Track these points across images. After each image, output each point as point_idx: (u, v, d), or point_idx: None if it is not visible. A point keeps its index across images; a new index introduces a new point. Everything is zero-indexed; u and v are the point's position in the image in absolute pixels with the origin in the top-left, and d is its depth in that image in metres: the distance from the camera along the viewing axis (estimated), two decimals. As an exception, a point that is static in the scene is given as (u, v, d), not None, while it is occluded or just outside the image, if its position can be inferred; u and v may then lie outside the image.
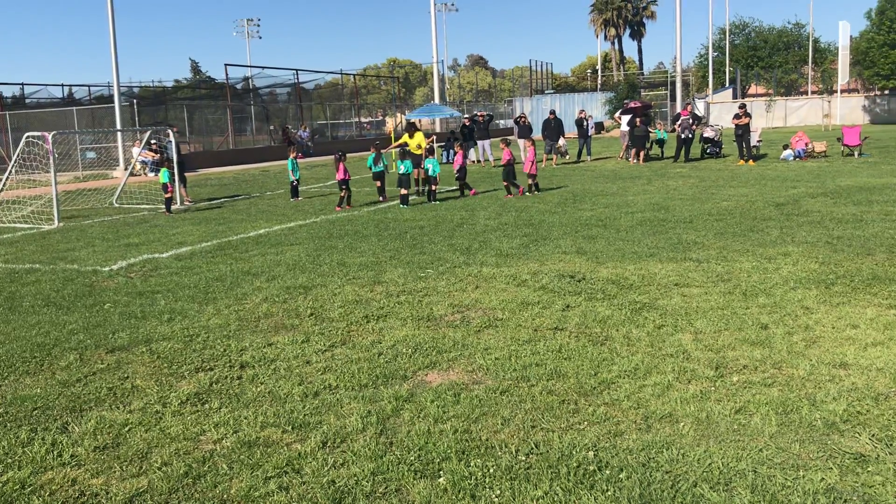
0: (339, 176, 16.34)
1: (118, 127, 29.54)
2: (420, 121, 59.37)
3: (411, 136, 19.36)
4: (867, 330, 6.24)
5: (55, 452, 4.53)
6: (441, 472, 4.04)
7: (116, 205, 19.21)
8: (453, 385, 5.32)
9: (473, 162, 26.98)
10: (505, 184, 17.23)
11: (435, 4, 56.28)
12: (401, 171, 16.57)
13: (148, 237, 13.31)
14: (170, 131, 19.83)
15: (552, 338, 6.36)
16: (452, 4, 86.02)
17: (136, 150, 28.64)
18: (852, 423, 4.46)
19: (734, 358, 5.70)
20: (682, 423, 4.54)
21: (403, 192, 16.35)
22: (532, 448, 4.28)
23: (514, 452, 4.24)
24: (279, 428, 4.74)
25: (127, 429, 4.84)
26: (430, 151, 17.13)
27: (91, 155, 33.51)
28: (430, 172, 16.80)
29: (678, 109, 47.89)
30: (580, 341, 6.22)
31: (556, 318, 6.95)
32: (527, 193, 17.21)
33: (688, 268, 8.81)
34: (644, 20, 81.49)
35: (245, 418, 4.91)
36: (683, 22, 51.57)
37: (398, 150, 19.85)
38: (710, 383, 5.19)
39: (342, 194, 16.22)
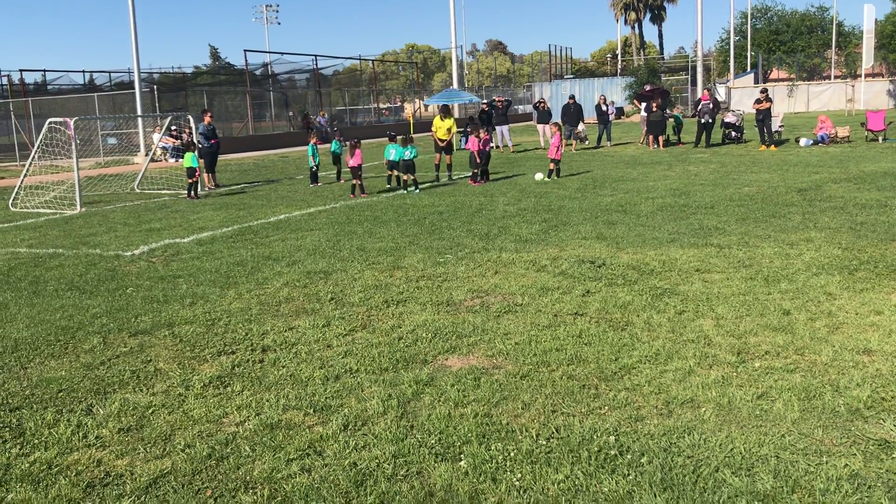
0: (354, 162, 16.27)
1: (139, 113, 29.69)
2: (439, 106, 59.33)
3: (443, 120, 19.41)
4: (891, 316, 6.18)
5: (80, 434, 4.58)
6: (462, 456, 4.06)
7: (138, 190, 19.34)
8: (473, 369, 5.33)
9: (491, 148, 26.88)
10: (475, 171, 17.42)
11: (454, -11, 55.90)
12: (406, 157, 16.48)
13: (169, 222, 13.39)
14: (206, 117, 19.90)
15: (572, 323, 6.34)
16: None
17: (156, 136, 28.79)
18: (876, 409, 4.43)
19: (756, 344, 5.66)
20: (703, 409, 4.53)
21: (406, 177, 16.41)
22: (553, 432, 4.29)
23: (534, 437, 4.24)
24: (301, 411, 4.77)
25: (150, 411, 4.89)
26: (409, 140, 16.86)
27: (112, 141, 33.74)
28: (405, 159, 16.52)
29: (699, 94, 47.52)
30: (600, 326, 6.21)
31: (577, 303, 6.93)
32: (477, 183, 17.16)
33: (709, 253, 8.75)
34: (665, 4, 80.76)
35: (267, 401, 4.95)
36: (705, 6, 51.02)
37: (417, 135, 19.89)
38: (731, 369, 5.17)
39: (355, 182, 16.12)
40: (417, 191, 16.26)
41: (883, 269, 7.71)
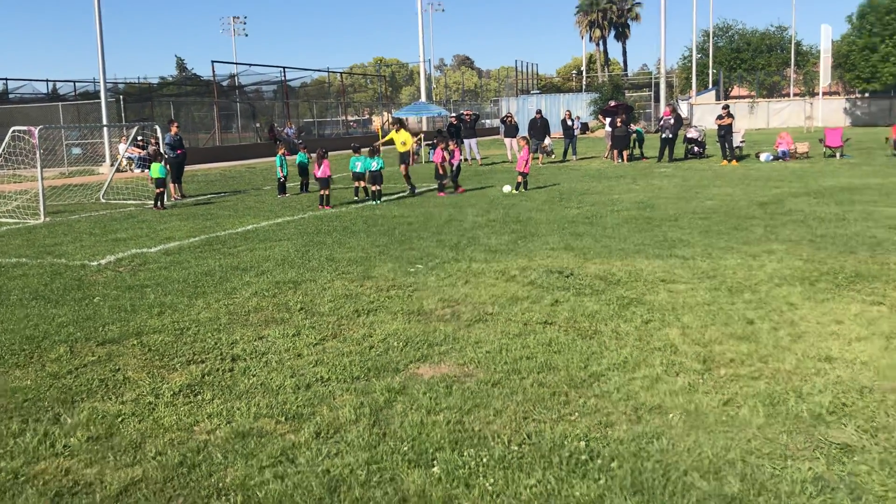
0: (322, 173, 16.27)
1: (104, 123, 29.36)
2: (407, 119, 59.41)
3: (397, 132, 19.44)
4: (851, 325, 6.34)
5: (48, 443, 4.53)
6: (435, 462, 4.09)
7: (103, 200, 19.11)
8: (445, 378, 5.37)
9: (461, 161, 27.01)
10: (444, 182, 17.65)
11: (422, 4, 56.28)
12: (372, 169, 16.56)
13: (136, 232, 13.27)
14: (173, 127, 19.73)
15: (542, 332, 6.41)
16: (439, 4, 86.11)
17: (122, 147, 28.48)
18: (838, 414, 4.54)
19: (721, 352, 5.77)
20: (671, 415, 4.61)
21: (375, 188, 16.47)
22: (524, 438, 4.33)
23: (506, 443, 4.29)
24: (272, 419, 4.76)
25: (120, 420, 4.85)
26: (375, 151, 16.94)
27: (77, 151, 33.29)
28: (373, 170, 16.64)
29: (662, 110, 48.19)
30: (570, 335, 6.28)
31: (546, 312, 7.00)
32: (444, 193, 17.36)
33: (674, 265, 8.89)
34: (629, 22, 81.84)
35: (238, 409, 4.93)
36: (667, 24, 51.83)
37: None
38: (698, 376, 5.26)
39: (322, 192, 16.10)
40: (379, 202, 16.29)
41: (842, 280, 7.89)
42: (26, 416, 4.95)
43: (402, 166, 18.94)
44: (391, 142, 20.16)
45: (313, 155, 18.03)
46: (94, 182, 23.15)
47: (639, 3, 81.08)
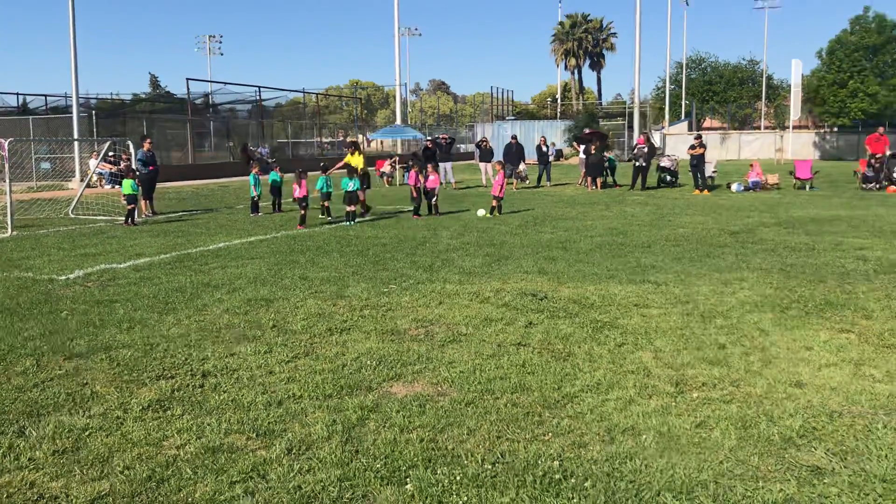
0: (299, 193, 16.30)
1: (75, 137, 29.08)
2: (382, 141, 59.52)
3: (352, 155, 19.01)
4: (821, 352, 6.41)
5: (12, 456, 4.44)
6: (408, 479, 4.06)
7: (72, 216, 18.88)
8: (418, 396, 5.34)
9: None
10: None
11: (399, 28, 56.67)
12: (348, 190, 16.58)
13: (105, 248, 13.11)
14: (146, 143, 19.56)
15: (516, 353, 6.41)
16: (416, 29, 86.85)
17: (93, 162, 28.21)
18: (808, 437, 4.58)
19: (693, 375, 5.81)
20: (644, 436, 4.62)
21: (350, 208, 16.48)
22: (498, 457, 4.32)
23: (479, 461, 4.27)
24: (243, 434, 4.71)
25: (87, 433, 4.76)
26: (353, 172, 16.98)
27: (46, 165, 32.92)
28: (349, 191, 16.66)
29: (635, 139, 48.77)
30: (543, 357, 6.29)
31: (520, 334, 7.01)
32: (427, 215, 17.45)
33: (647, 290, 8.96)
34: (604, 52, 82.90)
35: (208, 425, 4.87)
36: (642, 55, 52.56)
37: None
38: (670, 399, 5.29)
39: (302, 212, 16.16)
40: (353, 223, 16.27)
41: (812, 307, 7.99)
42: (-10, 429, 4.85)
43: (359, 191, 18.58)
44: (347, 166, 19.45)
45: (287, 175, 18.03)
46: (64, 197, 22.87)
47: (614, 34, 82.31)
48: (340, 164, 19.83)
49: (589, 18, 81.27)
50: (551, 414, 5.00)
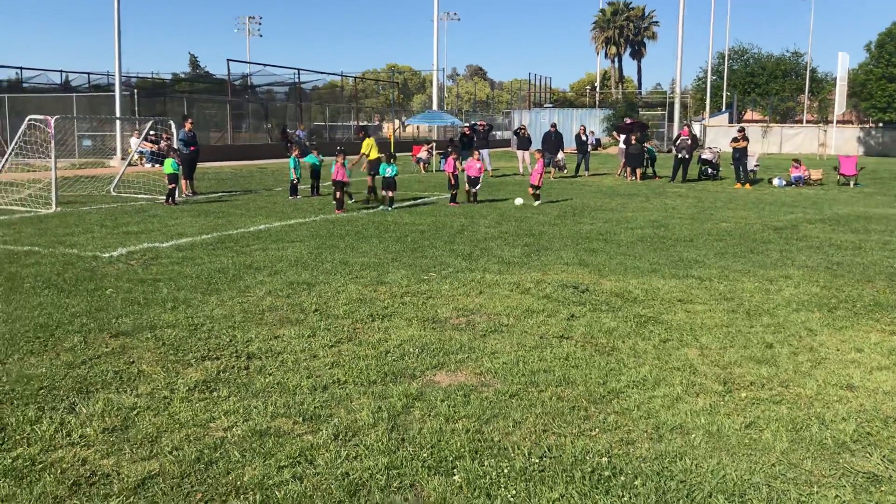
0: (335, 176, 16.25)
1: (117, 115, 29.42)
2: (418, 127, 59.44)
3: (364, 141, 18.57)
4: (871, 354, 6.28)
5: (64, 432, 4.50)
6: (455, 470, 4.04)
7: (114, 193, 19.13)
8: (462, 386, 5.32)
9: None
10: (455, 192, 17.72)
11: (438, 12, 56.45)
12: (386, 175, 16.51)
13: (147, 226, 13.25)
14: (187, 123, 19.73)
15: (558, 345, 6.36)
16: (455, 14, 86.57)
17: (134, 141, 28.53)
18: (863, 443, 4.49)
19: (741, 374, 5.72)
20: (693, 435, 4.55)
21: (389, 194, 16.44)
22: (545, 451, 4.28)
23: (527, 455, 4.24)
24: (290, 419, 4.72)
25: (135, 412, 4.81)
26: (391, 157, 16.84)
27: (87, 143, 33.38)
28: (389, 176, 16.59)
29: (675, 130, 48.16)
30: (587, 350, 6.23)
31: (562, 326, 6.96)
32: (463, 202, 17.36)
33: (690, 285, 8.84)
34: (645, 40, 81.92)
35: (255, 407, 4.89)
36: (683, 44, 51.85)
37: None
38: (718, 398, 5.21)
39: (338, 195, 16.14)
40: (390, 209, 16.25)
41: (861, 308, 7.83)
42: (42, 404, 4.92)
43: (370, 177, 18.33)
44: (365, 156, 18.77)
45: (327, 158, 18.04)
46: (105, 174, 23.18)
47: (656, 23, 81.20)
48: (358, 158, 19.04)
49: (631, 6, 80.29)
50: (597, 409, 4.95)
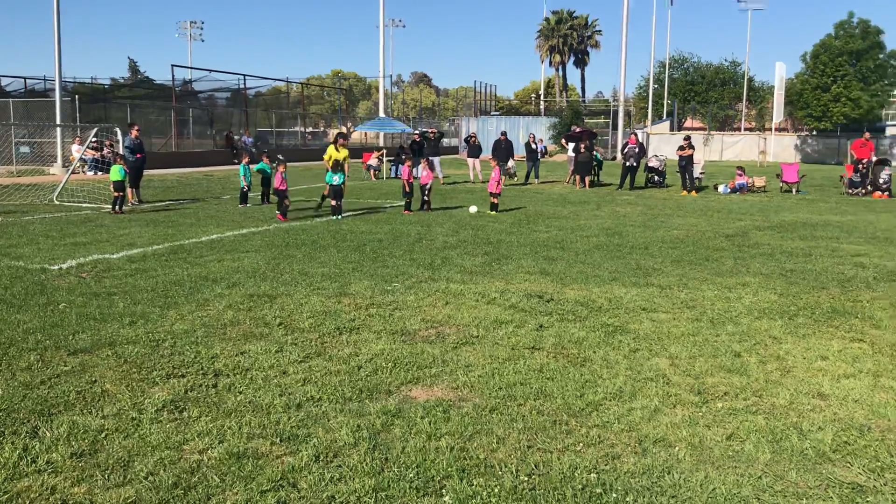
0: (276, 185, 16.03)
1: (58, 122, 28.60)
2: (366, 134, 59.11)
3: (338, 150, 17.84)
4: (836, 362, 6.38)
5: (29, 458, 4.29)
6: (444, 491, 3.96)
7: (57, 202, 18.55)
8: (440, 401, 5.24)
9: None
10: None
11: (384, 19, 56.26)
12: (334, 183, 16.37)
13: (95, 237, 12.86)
14: (134, 130, 19.23)
15: (531, 357, 6.33)
16: (400, 21, 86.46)
17: (75, 148, 27.76)
18: (842, 452, 4.53)
19: (714, 384, 5.75)
20: (677, 448, 4.55)
21: (333, 203, 16.28)
22: (532, 469, 4.23)
23: (514, 472, 4.18)
24: (267, 439, 4.58)
25: (103, 435, 4.61)
26: (339, 166, 16.69)
27: (25, 150, 32.36)
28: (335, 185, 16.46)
29: (619, 138, 48.84)
30: (559, 362, 6.21)
31: (532, 337, 6.92)
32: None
33: (652, 293, 8.91)
34: (588, 49, 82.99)
35: (229, 428, 4.73)
36: (626, 54, 52.56)
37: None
38: (696, 409, 5.22)
39: (286, 203, 15.83)
40: (340, 217, 16.07)
41: (820, 315, 7.98)
42: (2, 429, 4.68)
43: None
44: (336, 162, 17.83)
45: (274, 165, 17.78)
46: (46, 182, 22.49)
47: (599, 32, 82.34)
48: (328, 159, 18.45)
49: (575, 15, 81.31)
50: (578, 423, 4.92)
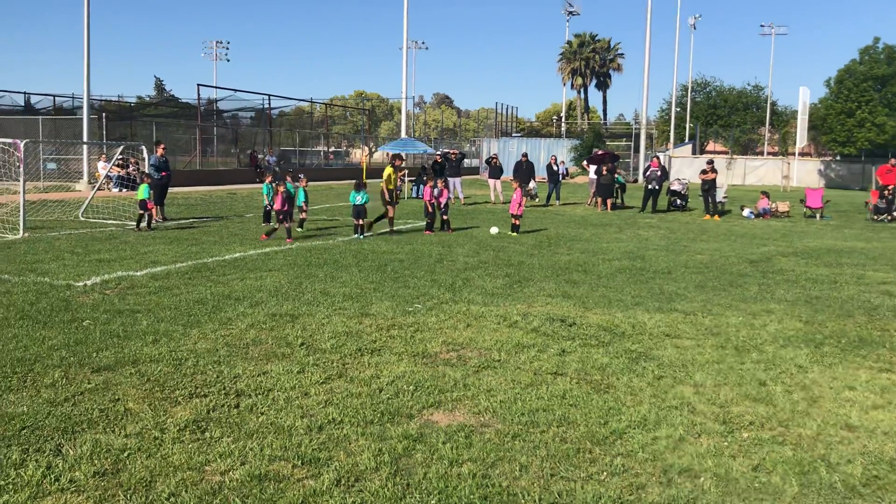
0: (277, 206, 16.02)
1: (85, 139, 28.97)
2: (388, 154, 59.43)
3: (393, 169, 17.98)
4: (865, 392, 6.28)
5: (52, 476, 4.29)
6: (467, 518, 3.92)
7: (82, 218, 18.75)
8: (462, 427, 5.20)
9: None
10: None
11: (406, 41, 56.67)
12: (357, 203, 16.40)
13: (119, 254, 12.96)
14: (159, 149, 19.43)
15: (553, 382, 6.28)
16: (423, 42, 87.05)
17: (101, 165, 28.09)
18: (872, 487, 4.45)
19: (739, 413, 5.67)
20: (702, 479, 4.48)
21: (359, 222, 16.29)
22: (556, 498, 4.18)
23: (537, 501, 4.13)
24: (288, 462, 4.56)
25: (126, 454, 4.62)
26: (362, 185, 16.71)
27: (52, 166, 32.81)
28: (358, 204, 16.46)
29: (641, 161, 48.75)
30: (583, 388, 6.16)
31: (554, 362, 6.88)
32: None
33: (676, 319, 8.83)
34: (610, 72, 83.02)
35: (251, 449, 4.72)
36: (649, 77, 52.54)
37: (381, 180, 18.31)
38: (721, 438, 5.15)
39: (285, 224, 15.64)
40: (363, 237, 16.10)
41: (846, 344, 7.87)
42: (26, 446, 4.70)
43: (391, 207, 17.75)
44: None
45: (297, 183, 17.89)
46: (72, 199, 22.76)
47: (621, 55, 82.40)
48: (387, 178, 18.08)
49: (597, 38, 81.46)
50: (602, 451, 4.86)
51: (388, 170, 17.89)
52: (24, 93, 47.66)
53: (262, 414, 5.39)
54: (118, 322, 7.95)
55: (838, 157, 54.61)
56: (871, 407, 5.91)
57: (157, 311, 8.54)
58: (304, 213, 17.74)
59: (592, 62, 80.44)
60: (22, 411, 5.29)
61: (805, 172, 52.44)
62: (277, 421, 5.25)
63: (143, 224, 16.60)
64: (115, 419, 5.21)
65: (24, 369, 6.23)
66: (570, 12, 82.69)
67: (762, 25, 74.65)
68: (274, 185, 16.66)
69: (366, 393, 5.88)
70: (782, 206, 24.98)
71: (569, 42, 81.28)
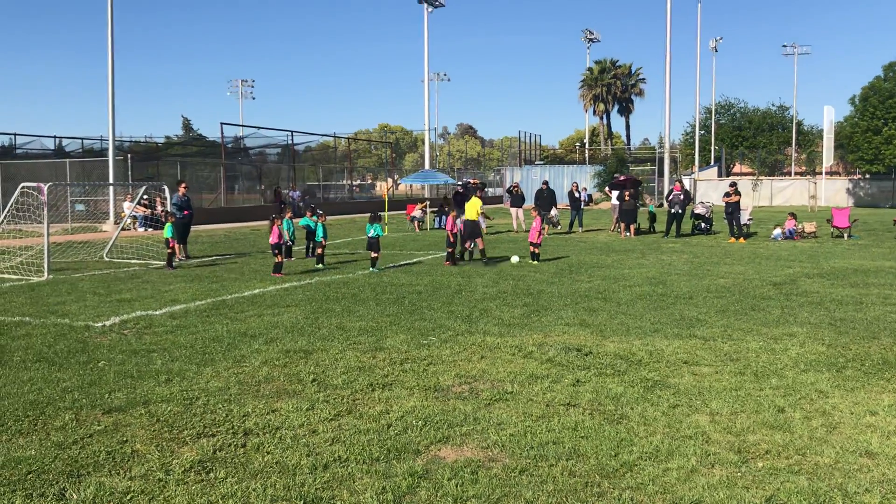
0: (273, 239, 16.08)
1: (111, 181, 29.42)
2: (412, 186, 59.71)
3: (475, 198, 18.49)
4: (887, 417, 6.11)
5: (53, 522, 4.28)
6: (467, 558, 3.83)
7: (107, 259, 18.96)
8: (469, 462, 5.12)
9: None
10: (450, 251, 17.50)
11: (428, 73, 57.21)
12: (370, 236, 16.43)
13: (140, 293, 13.07)
14: (181, 188, 19.69)
15: (566, 414, 6.18)
16: (445, 74, 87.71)
17: (127, 205, 28.48)
18: (890, 517, 4.30)
19: (755, 442, 5.54)
20: (713, 512, 4.36)
21: (373, 255, 16.27)
22: (560, 534, 4.08)
23: (541, 538, 4.04)
24: (291, 502, 4.51)
25: (129, 497, 4.60)
26: (376, 218, 16.81)
27: (80, 207, 33.32)
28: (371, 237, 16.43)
29: (665, 185, 48.50)
30: (595, 419, 6.05)
31: (568, 393, 6.78)
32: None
33: (694, 345, 8.69)
34: (632, 97, 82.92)
35: (254, 490, 4.68)
36: (671, 101, 52.41)
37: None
38: (735, 468, 5.02)
39: (277, 259, 15.67)
40: (376, 270, 16.07)
41: (870, 367, 7.68)
42: (30, 491, 4.70)
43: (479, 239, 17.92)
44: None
45: (316, 219, 17.97)
46: (98, 239, 23.04)
47: (643, 80, 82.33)
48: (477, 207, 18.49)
49: (618, 64, 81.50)
50: (611, 484, 4.76)
51: (477, 202, 18.31)
52: (55, 136, 48.73)
53: (268, 453, 5.35)
54: (133, 362, 7.98)
55: (867, 176, 53.91)
56: (894, 432, 5.74)
57: (173, 349, 8.57)
58: (320, 249, 17.75)
59: (614, 88, 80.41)
60: (30, 455, 5.29)
61: (833, 192, 51.86)
62: (283, 460, 5.20)
63: (175, 261, 16.69)
64: (121, 461, 5.20)
65: (36, 412, 6.25)
66: (591, 39, 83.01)
67: (784, 45, 74.37)
68: (272, 217, 16.71)
69: (374, 429, 5.83)
70: (809, 227, 24.65)
71: (590, 69, 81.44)
